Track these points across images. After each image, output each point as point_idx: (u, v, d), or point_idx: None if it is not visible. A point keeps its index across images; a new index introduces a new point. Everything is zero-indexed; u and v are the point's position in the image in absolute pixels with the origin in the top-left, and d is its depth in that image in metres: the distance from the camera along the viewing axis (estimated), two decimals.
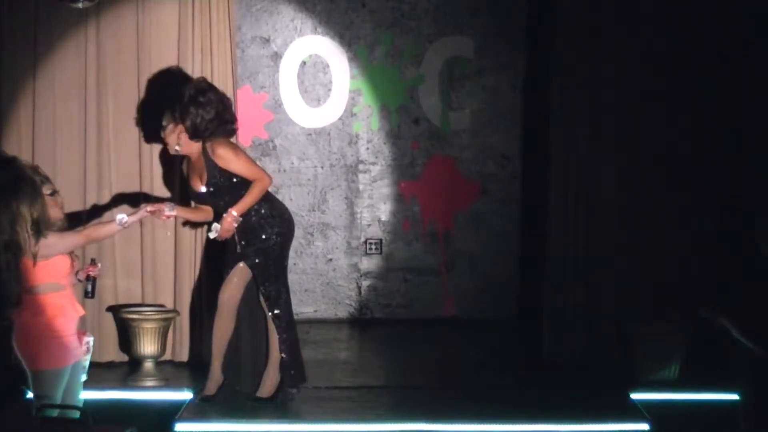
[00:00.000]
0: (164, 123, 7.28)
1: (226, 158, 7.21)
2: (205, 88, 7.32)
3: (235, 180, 7.23)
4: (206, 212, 7.49)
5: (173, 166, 8.41)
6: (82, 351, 6.27)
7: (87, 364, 6.43)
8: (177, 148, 7.26)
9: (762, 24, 8.45)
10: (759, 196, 8.32)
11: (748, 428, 5.96)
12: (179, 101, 7.23)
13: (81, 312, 6.27)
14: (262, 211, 7.30)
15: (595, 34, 8.52)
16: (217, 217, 7.34)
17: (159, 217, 6.92)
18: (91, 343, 6.42)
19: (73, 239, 6.18)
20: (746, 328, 5.93)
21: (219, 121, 7.24)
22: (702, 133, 8.55)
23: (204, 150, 7.24)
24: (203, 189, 7.26)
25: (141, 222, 8.28)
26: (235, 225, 7.21)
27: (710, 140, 8.54)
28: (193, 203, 7.61)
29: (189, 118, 7.17)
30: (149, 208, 6.72)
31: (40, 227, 5.91)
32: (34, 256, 5.92)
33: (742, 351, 5.99)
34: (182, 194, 8.34)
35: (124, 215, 6.45)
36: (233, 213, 7.19)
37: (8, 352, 6.04)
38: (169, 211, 6.89)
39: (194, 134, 7.20)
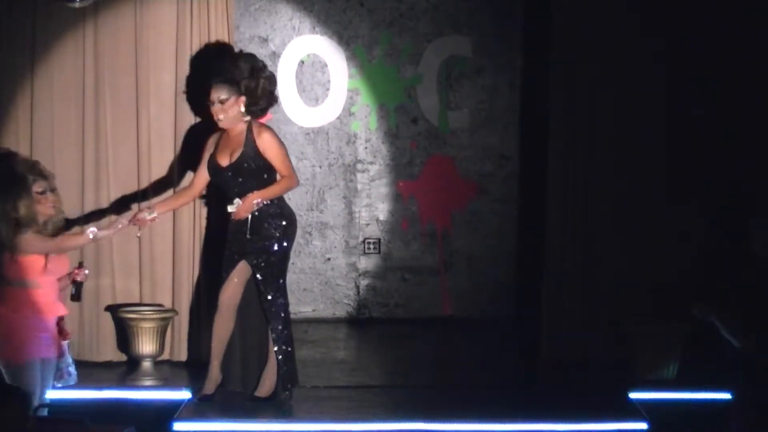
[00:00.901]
0: (224, 96, 7.28)
1: (270, 144, 7.27)
2: (262, 62, 7.53)
3: (263, 168, 7.26)
4: (189, 195, 7.53)
5: (171, 164, 8.42)
6: (55, 351, 6.27)
7: (67, 367, 6.41)
8: (233, 121, 7.32)
9: (762, 24, 8.44)
10: (757, 196, 8.35)
11: (745, 426, 5.97)
12: (244, 73, 7.32)
13: (61, 312, 6.29)
14: (271, 210, 7.31)
15: (594, 33, 8.51)
16: (222, 202, 7.41)
17: (143, 226, 7.02)
18: (66, 346, 6.40)
19: (45, 244, 6.23)
20: (735, 326, 5.94)
21: (272, 96, 7.44)
22: (701, 133, 8.54)
23: (249, 129, 7.30)
24: (228, 165, 7.26)
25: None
26: (255, 207, 7.21)
27: (709, 140, 8.54)
28: (209, 176, 7.48)
29: (258, 89, 7.32)
30: (125, 221, 6.84)
31: (22, 223, 5.98)
32: (13, 250, 5.99)
33: (735, 349, 6.00)
34: (177, 190, 8.35)
35: (95, 229, 6.52)
36: (257, 194, 7.20)
37: None
38: (149, 215, 7.05)
39: (252, 105, 7.32)
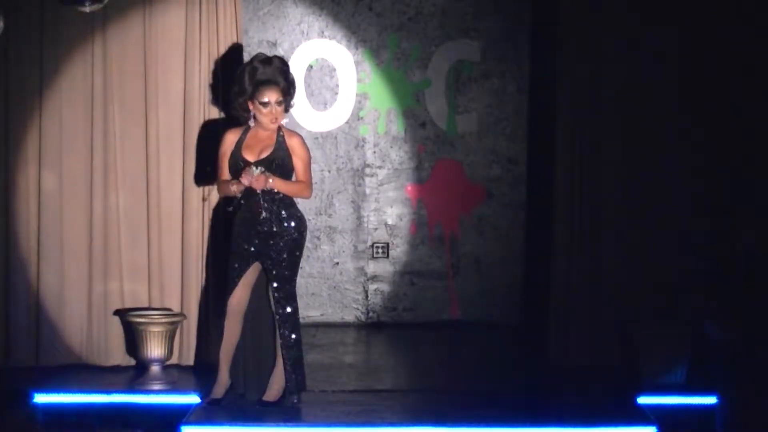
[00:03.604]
0: (281, 98, 7.34)
1: (299, 149, 7.36)
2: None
3: (289, 171, 7.32)
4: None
5: (180, 170, 8.43)
6: None
7: None
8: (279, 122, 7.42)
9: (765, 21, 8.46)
10: (760, 196, 8.37)
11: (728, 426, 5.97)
12: (289, 78, 7.41)
13: None
14: (289, 211, 7.32)
15: (601, 35, 8.51)
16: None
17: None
18: None
19: None
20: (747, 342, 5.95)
21: (294, 95, 7.55)
22: (705, 136, 8.54)
23: (279, 130, 7.36)
24: (256, 161, 7.27)
25: (148, 224, 8.33)
26: (266, 186, 7.21)
27: (713, 143, 8.53)
28: (229, 172, 7.44)
29: (291, 89, 7.46)
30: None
31: None
32: None
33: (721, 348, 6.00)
34: (186, 195, 8.39)
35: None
36: (271, 176, 7.23)
37: None
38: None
39: (288, 107, 7.45)
